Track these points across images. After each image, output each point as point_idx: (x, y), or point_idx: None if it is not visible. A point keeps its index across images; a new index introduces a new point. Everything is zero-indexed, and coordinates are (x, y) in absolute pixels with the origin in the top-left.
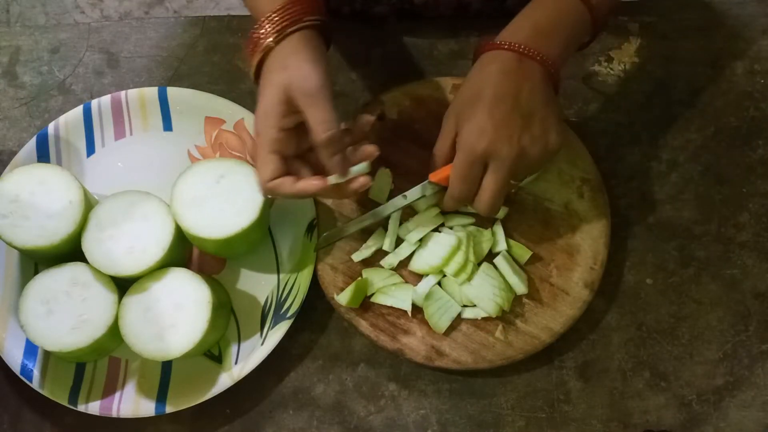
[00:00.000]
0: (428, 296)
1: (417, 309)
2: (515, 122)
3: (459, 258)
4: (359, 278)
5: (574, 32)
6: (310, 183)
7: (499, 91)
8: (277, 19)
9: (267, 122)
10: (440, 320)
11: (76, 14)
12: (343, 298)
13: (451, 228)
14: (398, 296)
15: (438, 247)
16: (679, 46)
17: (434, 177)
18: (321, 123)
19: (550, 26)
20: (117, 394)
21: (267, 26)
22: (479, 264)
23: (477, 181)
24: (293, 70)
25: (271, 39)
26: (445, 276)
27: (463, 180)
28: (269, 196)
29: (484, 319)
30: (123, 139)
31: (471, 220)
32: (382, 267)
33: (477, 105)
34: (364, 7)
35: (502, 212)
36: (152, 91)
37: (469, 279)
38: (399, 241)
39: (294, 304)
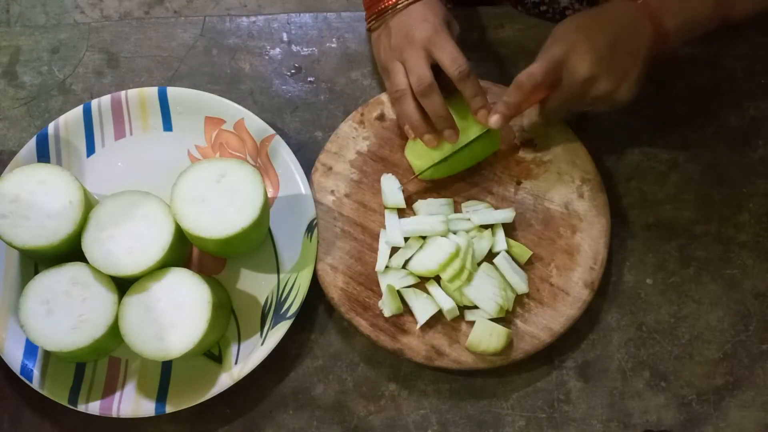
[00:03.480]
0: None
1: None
2: (615, 60)
3: (456, 265)
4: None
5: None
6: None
7: (608, 30)
8: None
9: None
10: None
11: (76, 14)
12: (386, 309)
13: (454, 233)
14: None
15: (437, 253)
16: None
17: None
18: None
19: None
20: (117, 394)
21: None
22: (479, 264)
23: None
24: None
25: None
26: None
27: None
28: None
29: None
30: (123, 139)
31: (474, 225)
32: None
33: (593, 38)
34: None
35: (510, 216)
36: (152, 91)
37: (466, 283)
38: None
39: (294, 304)
